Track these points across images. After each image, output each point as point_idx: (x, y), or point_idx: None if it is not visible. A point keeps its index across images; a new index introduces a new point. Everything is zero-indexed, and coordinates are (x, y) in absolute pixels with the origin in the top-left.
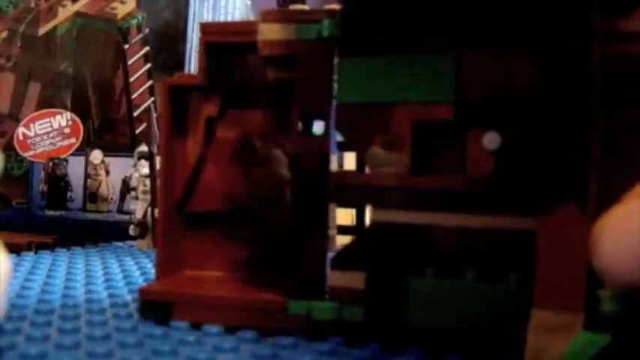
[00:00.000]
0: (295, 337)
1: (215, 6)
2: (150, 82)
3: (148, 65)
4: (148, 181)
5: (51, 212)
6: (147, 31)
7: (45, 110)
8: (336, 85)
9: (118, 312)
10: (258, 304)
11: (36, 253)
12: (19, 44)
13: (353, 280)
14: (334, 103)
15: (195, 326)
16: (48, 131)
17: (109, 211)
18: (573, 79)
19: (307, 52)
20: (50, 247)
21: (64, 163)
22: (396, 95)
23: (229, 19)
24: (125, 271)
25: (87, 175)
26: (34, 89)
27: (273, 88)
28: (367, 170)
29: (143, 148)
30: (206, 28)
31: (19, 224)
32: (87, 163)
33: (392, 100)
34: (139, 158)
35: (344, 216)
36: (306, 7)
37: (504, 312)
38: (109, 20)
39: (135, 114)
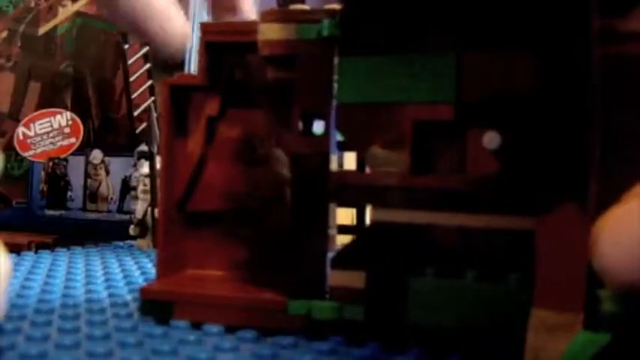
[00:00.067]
0: (295, 336)
1: None
2: (150, 82)
3: (148, 65)
4: (148, 181)
5: (51, 212)
6: None
7: (45, 110)
8: (336, 85)
9: (118, 312)
10: (258, 304)
11: (36, 252)
12: (19, 44)
13: (353, 279)
14: (334, 103)
15: (196, 326)
16: (48, 131)
17: (109, 211)
18: (573, 79)
19: (307, 52)
20: (50, 246)
21: (64, 163)
22: (397, 95)
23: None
24: (125, 271)
25: (87, 175)
26: (34, 89)
27: (273, 88)
28: (367, 170)
29: (143, 147)
30: (206, 28)
31: (19, 224)
32: (87, 162)
33: (392, 99)
34: (139, 158)
35: (344, 215)
36: (306, 7)
37: (504, 312)
38: (109, 20)
39: (135, 114)
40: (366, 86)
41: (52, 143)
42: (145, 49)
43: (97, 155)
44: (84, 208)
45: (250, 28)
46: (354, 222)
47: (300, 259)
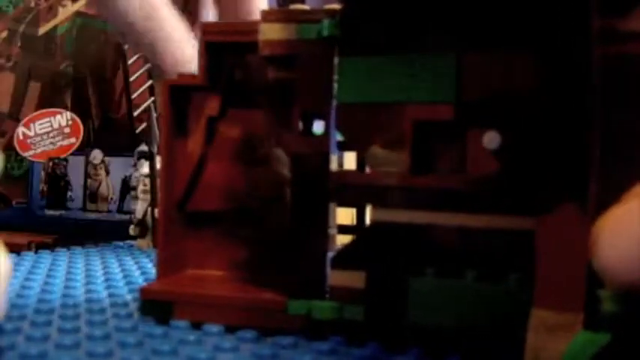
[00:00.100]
0: (295, 336)
1: None
2: (150, 82)
3: (148, 65)
4: (148, 181)
5: (51, 212)
6: None
7: (45, 110)
8: (336, 85)
9: (118, 312)
10: (258, 304)
11: (36, 252)
12: (19, 44)
13: (353, 279)
14: (334, 103)
15: (196, 326)
16: (48, 131)
17: (109, 211)
18: (573, 79)
19: (307, 52)
20: (50, 246)
21: (64, 163)
22: (397, 95)
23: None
24: (125, 271)
25: (87, 175)
26: (34, 89)
27: (274, 87)
28: (367, 170)
29: (143, 147)
30: (206, 28)
31: (19, 224)
32: (87, 162)
33: (392, 99)
34: (139, 158)
35: (344, 215)
36: (306, 7)
37: (504, 312)
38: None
39: (135, 114)
40: (366, 86)
41: (52, 143)
42: None
43: (97, 155)
44: (84, 208)
45: (250, 28)
46: (354, 222)
47: (300, 259)
